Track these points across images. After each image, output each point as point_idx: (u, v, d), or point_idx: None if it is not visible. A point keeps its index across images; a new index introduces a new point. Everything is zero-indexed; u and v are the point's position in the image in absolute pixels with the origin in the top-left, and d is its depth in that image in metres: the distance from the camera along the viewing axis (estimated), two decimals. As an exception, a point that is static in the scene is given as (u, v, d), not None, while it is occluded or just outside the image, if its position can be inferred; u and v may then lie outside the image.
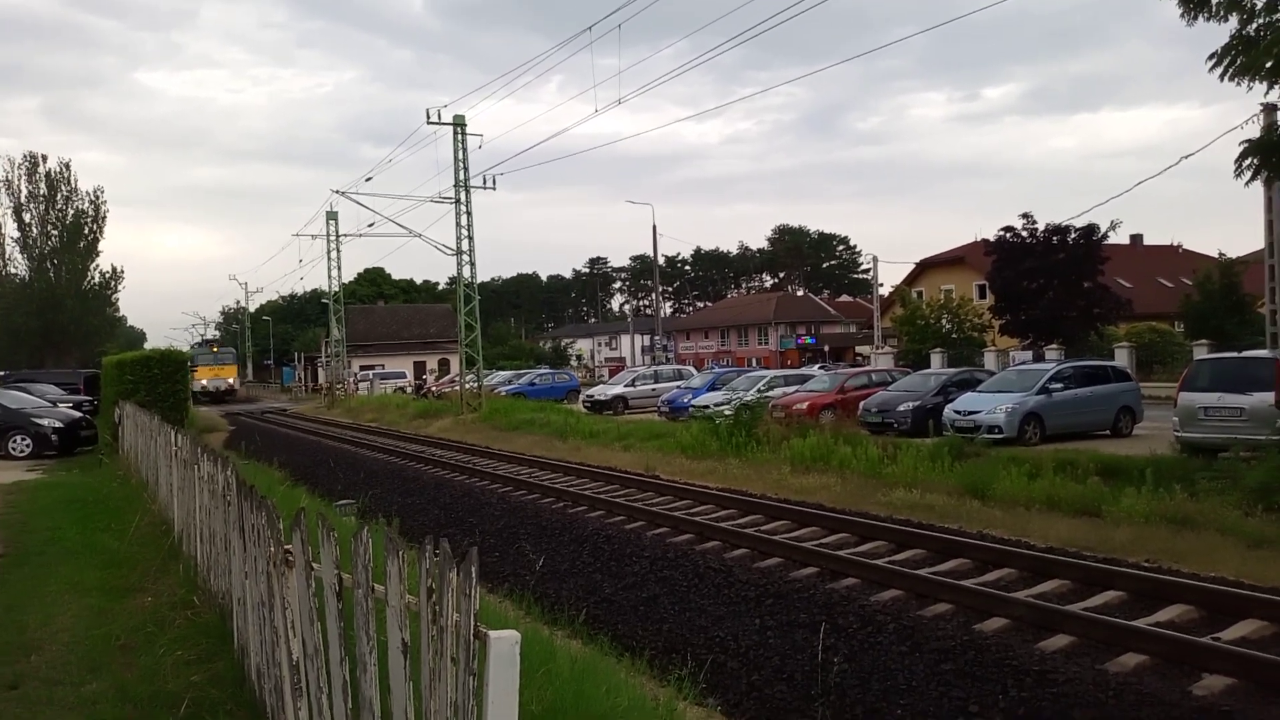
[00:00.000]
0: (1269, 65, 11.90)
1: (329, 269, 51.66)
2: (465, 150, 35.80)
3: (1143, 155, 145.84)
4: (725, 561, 10.63)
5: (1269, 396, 14.15)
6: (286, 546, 4.30)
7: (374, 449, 26.74)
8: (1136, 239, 61.38)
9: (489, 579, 10.72)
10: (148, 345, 68.63)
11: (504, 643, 2.75)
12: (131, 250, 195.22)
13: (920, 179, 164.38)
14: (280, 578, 4.31)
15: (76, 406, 27.51)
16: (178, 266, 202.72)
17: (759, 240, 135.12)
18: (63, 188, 58.96)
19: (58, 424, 22.45)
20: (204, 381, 62.53)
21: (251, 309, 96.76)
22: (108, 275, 61.77)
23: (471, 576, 2.88)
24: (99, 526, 10.82)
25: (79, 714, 5.26)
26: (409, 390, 57.31)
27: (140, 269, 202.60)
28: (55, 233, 59.22)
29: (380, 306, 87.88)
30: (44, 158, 59.15)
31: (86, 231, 59.98)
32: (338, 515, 12.52)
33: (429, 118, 35.16)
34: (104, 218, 60.49)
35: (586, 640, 8.12)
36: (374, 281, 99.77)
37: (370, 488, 18.07)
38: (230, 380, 66.49)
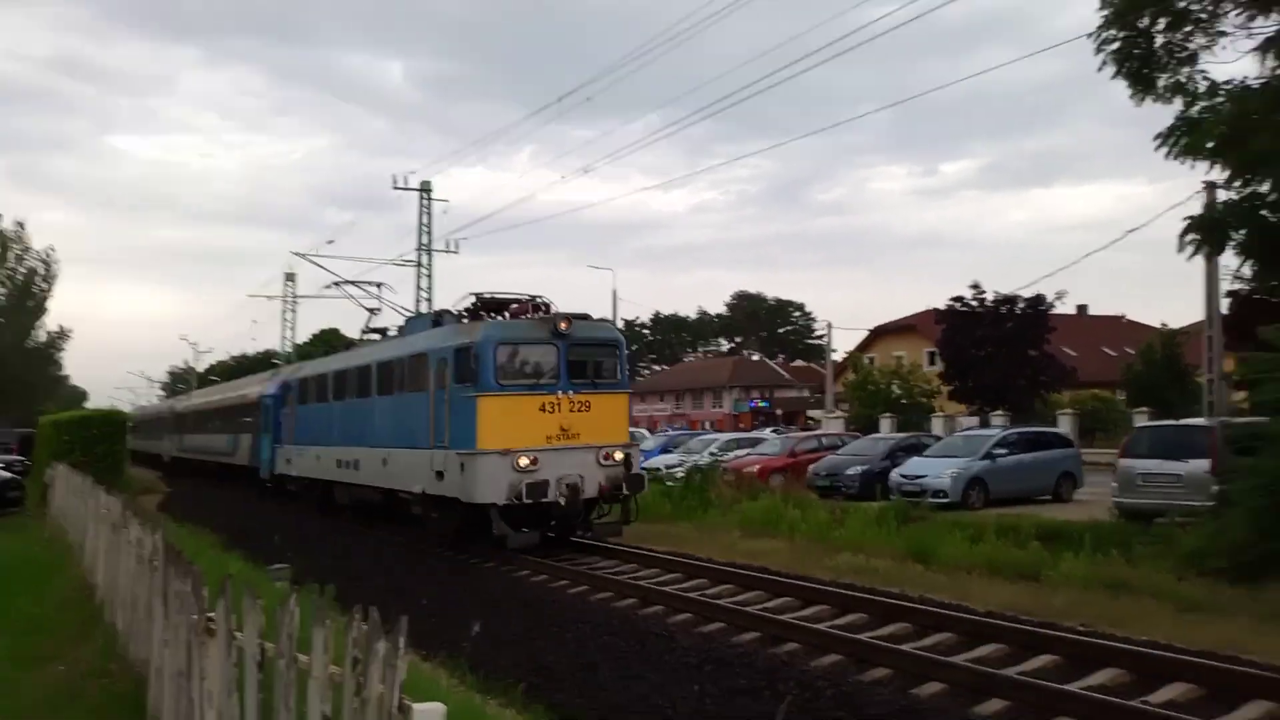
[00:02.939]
0: (1209, 146, 12.52)
1: (283, 329, 51.05)
2: (430, 215, 36.06)
3: (1093, 229, 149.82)
4: (668, 627, 10.51)
5: (1205, 464, 14.46)
6: (209, 614, 4.19)
7: (319, 512, 26.07)
8: (1082, 309, 63.06)
9: (424, 645, 10.45)
10: (89, 405, 66.59)
11: (428, 717, 2.70)
12: (83, 308, 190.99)
13: (879, 249, 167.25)
14: (200, 646, 4.19)
15: (8, 467, 26.67)
16: (129, 326, 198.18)
17: (718, 305, 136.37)
18: (15, 247, 58.02)
19: (-14, 485, 21.74)
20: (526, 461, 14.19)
21: (200, 369, 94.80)
22: (54, 334, 60.68)
23: (399, 647, 2.82)
24: (17, 591, 10.44)
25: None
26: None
27: (90, 326, 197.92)
28: (3, 291, 58.03)
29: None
30: (-2, 216, 58.37)
31: (35, 290, 58.88)
32: (270, 582, 12.18)
33: (395, 184, 35.48)
34: (55, 277, 59.53)
35: (521, 709, 7.93)
36: (328, 342, 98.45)
37: (309, 554, 17.63)
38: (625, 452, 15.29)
